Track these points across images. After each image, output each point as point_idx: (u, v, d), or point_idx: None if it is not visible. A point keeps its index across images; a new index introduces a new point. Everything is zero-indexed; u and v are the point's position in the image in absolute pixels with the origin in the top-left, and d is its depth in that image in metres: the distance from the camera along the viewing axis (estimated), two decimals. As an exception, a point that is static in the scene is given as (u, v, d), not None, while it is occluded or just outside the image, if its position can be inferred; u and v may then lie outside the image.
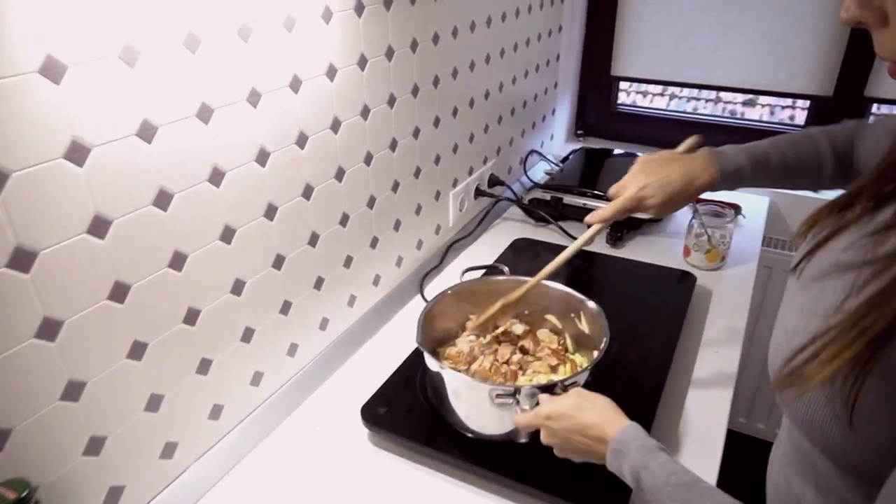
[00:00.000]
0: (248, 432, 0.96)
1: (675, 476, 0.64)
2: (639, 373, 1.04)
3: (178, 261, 0.78)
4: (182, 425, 0.85)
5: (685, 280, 1.32)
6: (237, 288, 0.89)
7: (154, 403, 0.79)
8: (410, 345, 1.12)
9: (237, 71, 0.80)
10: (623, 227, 1.51)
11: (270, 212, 0.91)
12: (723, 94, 2.05)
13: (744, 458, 1.73)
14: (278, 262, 0.95)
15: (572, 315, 1.04)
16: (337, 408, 1.04)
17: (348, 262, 1.13)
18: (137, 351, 0.75)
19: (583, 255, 1.44)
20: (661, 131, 2.00)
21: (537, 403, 0.81)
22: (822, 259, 0.59)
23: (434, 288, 1.37)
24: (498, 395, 0.83)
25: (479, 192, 1.54)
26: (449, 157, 1.38)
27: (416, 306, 1.31)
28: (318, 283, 1.06)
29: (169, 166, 0.74)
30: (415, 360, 1.08)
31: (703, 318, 1.24)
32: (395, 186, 1.21)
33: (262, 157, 0.87)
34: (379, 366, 1.10)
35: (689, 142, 0.98)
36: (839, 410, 0.49)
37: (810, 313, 0.55)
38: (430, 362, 0.89)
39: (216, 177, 0.81)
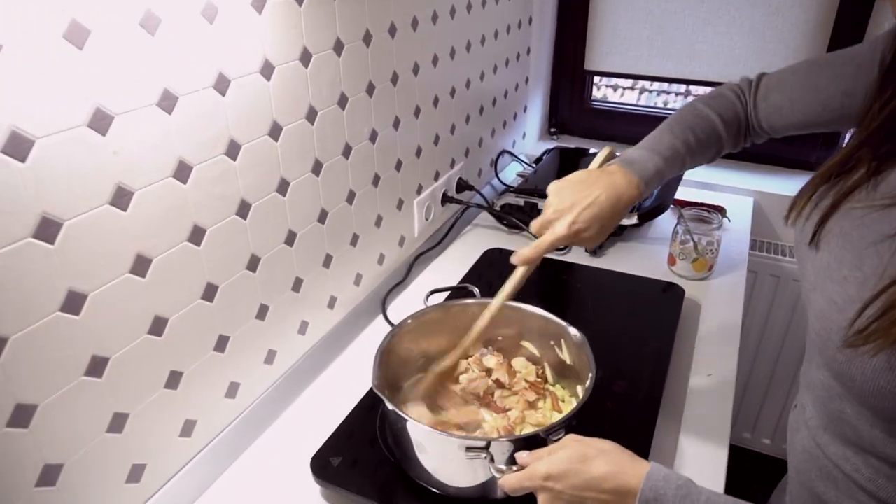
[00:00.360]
0: (179, 491, 0.82)
1: None
2: (627, 406, 0.93)
3: (74, 302, 0.64)
4: (94, 496, 0.71)
5: (672, 292, 1.21)
6: (157, 328, 0.74)
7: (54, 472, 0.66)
8: (369, 374, 0.99)
9: (144, 69, 0.66)
10: (602, 234, 1.40)
11: (196, 235, 0.77)
12: (693, 88, 1.96)
13: (750, 473, 1.65)
14: (209, 293, 0.81)
15: (552, 342, 0.92)
16: (284, 458, 0.90)
17: (297, 284, 0.99)
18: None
19: (560, 267, 1.33)
20: (637, 128, 1.87)
21: (513, 459, 0.68)
22: (843, 224, 0.60)
23: (399, 306, 1.24)
24: (468, 449, 0.71)
25: (446, 199, 1.42)
26: (412, 162, 1.25)
27: (378, 329, 1.18)
28: (262, 313, 0.92)
29: (54, 189, 0.60)
30: (374, 397, 0.95)
31: (692, 336, 1.14)
32: (351, 197, 1.08)
33: (183, 172, 0.73)
34: (334, 404, 0.96)
35: (603, 154, 0.88)
36: None
37: (859, 281, 0.55)
38: (390, 409, 0.76)
39: (121, 198, 0.67)
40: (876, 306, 0.51)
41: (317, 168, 0.97)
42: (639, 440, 0.85)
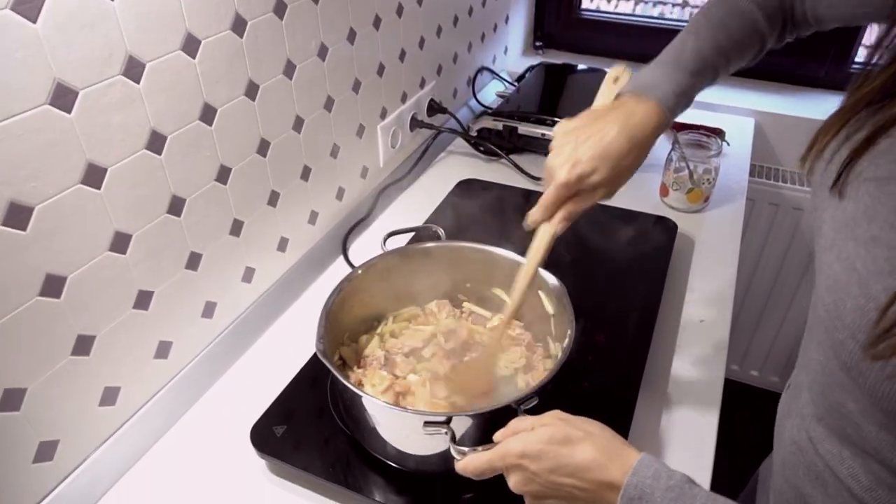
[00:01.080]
0: (98, 471, 0.72)
1: None
2: (610, 360, 0.83)
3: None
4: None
5: (663, 227, 1.10)
6: (52, 288, 0.62)
7: None
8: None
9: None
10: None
11: (95, 175, 0.64)
12: (692, -2, 1.77)
13: (744, 406, 1.59)
14: (120, 244, 0.69)
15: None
16: (224, 427, 0.80)
17: (236, 227, 0.86)
18: None
19: (536, 199, 1.20)
20: (630, 42, 1.72)
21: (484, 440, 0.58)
22: (879, 166, 0.48)
23: (362, 246, 1.12)
24: (427, 424, 0.61)
25: (415, 124, 1.27)
26: (372, 82, 1.09)
27: (338, 272, 1.06)
28: (194, 262, 0.80)
29: None
30: (329, 351, 0.84)
31: (684, 276, 1.03)
32: (298, 124, 0.93)
33: (64, 99, 0.59)
34: (282, 363, 0.86)
35: (611, 76, 0.71)
36: None
37: (892, 244, 0.44)
38: (339, 379, 0.65)
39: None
40: None
41: (251, 90, 0.82)
42: (621, 400, 0.76)
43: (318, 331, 0.70)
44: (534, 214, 0.67)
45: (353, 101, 1.05)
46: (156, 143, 0.70)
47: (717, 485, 0.72)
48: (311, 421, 0.76)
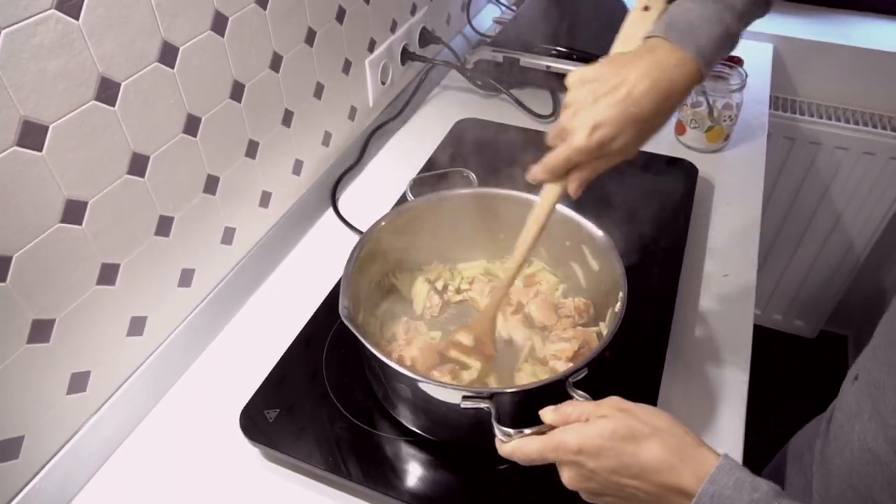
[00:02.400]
0: (69, 465, 0.65)
1: None
2: (632, 322, 0.76)
3: None
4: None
5: (681, 170, 1.01)
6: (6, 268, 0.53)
7: None
8: (317, 292, 0.80)
9: None
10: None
11: (34, 134, 0.53)
12: None
13: (769, 353, 1.55)
14: (73, 214, 0.59)
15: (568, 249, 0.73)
16: (211, 409, 0.73)
17: (212, 184, 0.76)
18: None
19: (536, 138, 1.09)
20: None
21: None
22: None
23: (353, 196, 1.02)
24: (466, 398, 0.54)
25: (406, 56, 1.14)
26: (358, 10, 0.96)
27: (328, 227, 0.97)
28: (165, 226, 0.70)
29: None
30: (320, 324, 0.76)
31: (705, 224, 0.95)
32: (276, 62, 0.81)
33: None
34: (272, 332, 0.78)
35: (638, 10, 0.60)
36: None
37: None
38: (369, 349, 0.57)
39: None
40: None
41: (219, 24, 0.70)
42: (647, 363, 0.70)
43: (342, 298, 0.62)
44: (538, 173, 0.58)
45: (337, 33, 0.93)
46: (107, 92, 0.59)
47: (749, 444, 0.68)
48: (306, 402, 0.68)
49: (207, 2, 0.67)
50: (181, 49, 0.66)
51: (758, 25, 1.48)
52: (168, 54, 0.64)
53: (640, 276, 0.82)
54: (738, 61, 1.26)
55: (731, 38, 0.57)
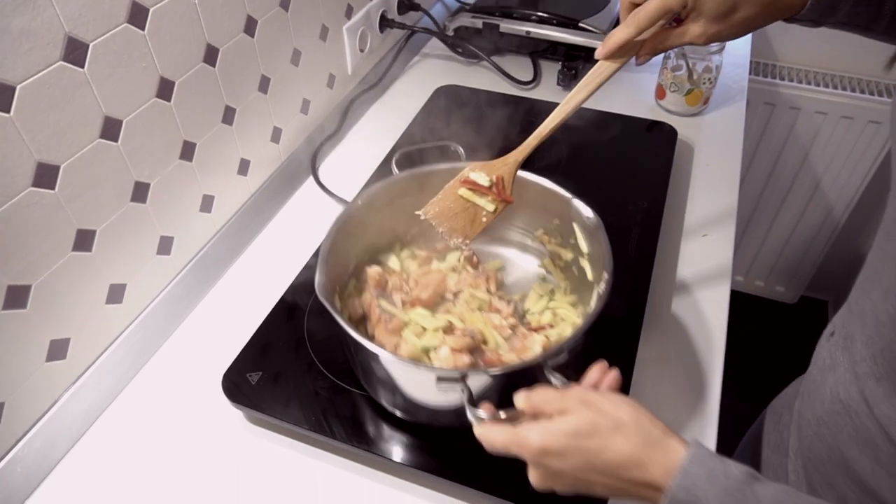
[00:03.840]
0: (57, 425, 0.65)
1: None
2: (614, 280, 0.77)
3: None
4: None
5: (661, 133, 1.01)
6: (-37, 235, 0.52)
7: None
8: (299, 258, 0.80)
9: None
10: (579, 62, 1.15)
11: (0, 96, 0.52)
12: None
13: (750, 319, 1.57)
14: (45, 177, 0.58)
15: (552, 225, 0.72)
16: (194, 374, 0.73)
17: (189, 151, 0.75)
18: None
19: (518, 103, 1.09)
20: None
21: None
22: None
23: (333, 164, 1.01)
24: (440, 380, 0.54)
25: (385, 23, 1.13)
26: (334, -26, 0.95)
27: (308, 196, 0.96)
28: (141, 192, 0.70)
29: None
30: (306, 283, 0.76)
31: (685, 186, 0.96)
32: (251, 26, 0.80)
33: (-58, -4, 0.46)
34: (253, 299, 0.78)
35: None
36: None
37: None
38: (347, 331, 0.56)
39: None
40: None
41: (189, -15, 0.69)
42: (625, 327, 0.71)
43: (319, 276, 0.60)
44: (618, 35, 0.57)
45: (313, -2, 0.91)
46: (74, 52, 0.57)
47: (726, 412, 0.69)
48: (289, 364, 0.69)
49: (173, -37, 0.66)
50: (151, 10, 0.64)
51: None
52: (137, 15, 0.63)
53: (619, 236, 0.82)
54: (718, 25, 1.26)
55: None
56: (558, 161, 0.95)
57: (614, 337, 0.69)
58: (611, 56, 0.59)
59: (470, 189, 0.61)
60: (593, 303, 0.63)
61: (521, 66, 1.20)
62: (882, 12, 0.57)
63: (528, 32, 1.16)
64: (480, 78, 1.19)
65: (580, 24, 1.14)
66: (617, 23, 0.60)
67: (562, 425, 0.44)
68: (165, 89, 0.69)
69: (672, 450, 0.42)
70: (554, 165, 0.94)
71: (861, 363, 0.51)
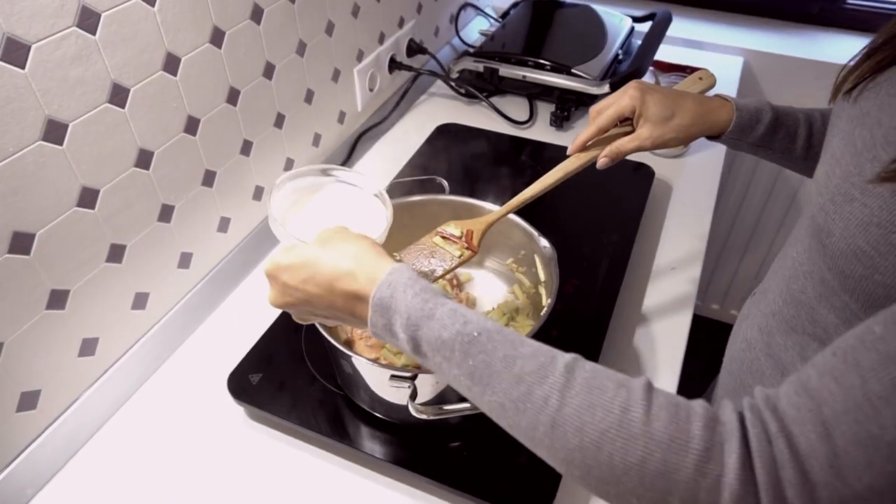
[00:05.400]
0: (92, 408, 0.75)
1: (472, 325, 0.44)
2: (579, 309, 0.85)
3: None
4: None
5: (641, 173, 1.10)
6: (22, 246, 0.63)
7: None
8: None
9: None
10: (571, 105, 1.25)
11: (56, 131, 0.63)
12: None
13: (699, 338, 1.64)
14: (88, 199, 0.69)
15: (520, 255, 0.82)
16: (204, 374, 0.82)
17: (210, 178, 0.86)
18: None
19: (515, 143, 1.19)
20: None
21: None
22: (892, 89, 0.50)
23: (340, 193, 1.12)
24: (393, 378, 0.63)
25: (394, 65, 1.24)
26: (347, 23, 1.06)
27: (315, 219, 1.06)
28: (167, 214, 0.80)
29: None
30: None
31: (659, 222, 1.04)
32: (269, 70, 0.91)
33: (17, 54, 0.57)
34: (261, 311, 0.88)
35: (700, 73, 0.79)
36: None
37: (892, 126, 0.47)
38: (324, 336, 0.66)
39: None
40: None
41: (217, 38, 0.80)
42: (586, 349, 0.79)
43: None
44: (584, 134, 0.71)
45: (326, 45, 1.03)
46: (118, 96, 0.69)
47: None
48: (287, 368, 0.78)
49: (206, 19, 0.77)
50: (183, 59, 0.76)
51: (728, 38, 1.59)
52: (171, 64, 0.74)
53: (589, 266, 0.91)
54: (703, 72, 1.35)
55: (760, 123, 0.70)
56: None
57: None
58: (578, 151, 0.71)
59: (443, 238, 0.71)
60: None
61: (518, 107, 1.30)
62: (794, 153, 0.73)
63: (524, 77, 1.26)
64: (480, 117, 1.29)
65: (573, 70, 1.23)
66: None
67: (300, 250, 0.52)
68: (192, 126, 0.80)
69: (380, 266, 0.48)
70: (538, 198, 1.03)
71: (767, 306, 0.63)
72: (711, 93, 0.76)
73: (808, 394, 0.36)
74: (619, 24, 1.41)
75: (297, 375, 0.77)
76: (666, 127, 0.68)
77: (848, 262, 0.48)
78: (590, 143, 0.72)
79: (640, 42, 1.30)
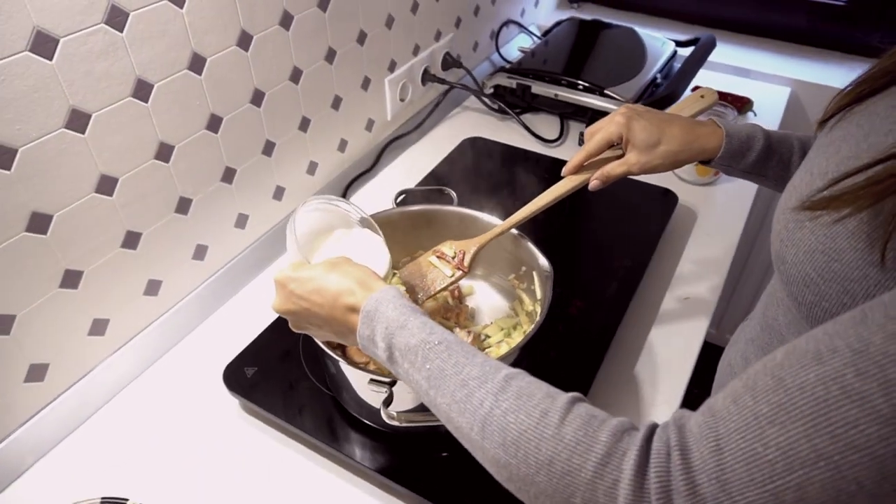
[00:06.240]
0: (96, 387, 0.79)
1: (436, 335, 0.49)
2: (580, 330, 0.84)
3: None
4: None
5: (664, 198, 1.07)
6: (39, 224, 0.67)
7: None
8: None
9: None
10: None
11: (79, 120, 0.67)
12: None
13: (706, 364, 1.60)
14: (106, 186, 0.72)
15: (520, 271, 0.82)
16: (206, 364, 0.84)
17: (229, 175, 0.89)
18: None
19: (542, 162, 1.18)
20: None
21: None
22: (876, 105, 0.49)
23: (364, 197, 1.14)
24: (372, 381, 0.64)
25: (427, 77, 1.26)
26: (380, 34, 1.09)
27: (335, 223, 1.09)
28: (184, 206, 0.84)
29: None
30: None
31: (679, 251, 1.01)
32: (296, 75, 0.94)
33: (46, 46, 0.61)
34: (265, 308, 0.90)
35: (701, 91, 0.79)
36: (867, 245, 0.41)
37: (848, 156, 0.47)
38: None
39: None
40: (858, 176, 0.43)
41: (244, 41, 0.83)
42: (580, 374, 0.77)
43: None
44: (576, 157, 0.72)
45: (357, 53, 1.05)
46: (142, 91, 0.72)
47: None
48: (282, 366, 0.80)
49: (234, 22, 0.81)
50: (208, 60, 0.79)
51: (776, 68, 1.54)
52: (197, 63, 0.78)
53: (597, 289, 0.90)
54: (745, 101, 1.32)
55: (749, 149, 0.71)
56: (560, 210, 1.04)
57: (566, 384, 0.76)
58: (572, 173, 0.73)
59: (438, 257, 0.74)
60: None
61: (550, 125, 1.30)
62: (789, 180, 0.70)
63: (556, 95, 1.26)
64: (512, 133, 1.29)
65: (606, 91, 1.22)
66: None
67: (310, 268, 0.58)
68: (214, 123, 0.83)
69: (375, 286, 0.54)
70: (556, 213, 1.02)
71: (749, 332, 0.64)
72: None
73: (712, 413, 0.37)
74: (661, 47, 1.39)
75: (290, 373, 0.79)
76: (652, 154, 0.69)
77: (800, 290, 0.48)
78: (585, 164, 0.72)
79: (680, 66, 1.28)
